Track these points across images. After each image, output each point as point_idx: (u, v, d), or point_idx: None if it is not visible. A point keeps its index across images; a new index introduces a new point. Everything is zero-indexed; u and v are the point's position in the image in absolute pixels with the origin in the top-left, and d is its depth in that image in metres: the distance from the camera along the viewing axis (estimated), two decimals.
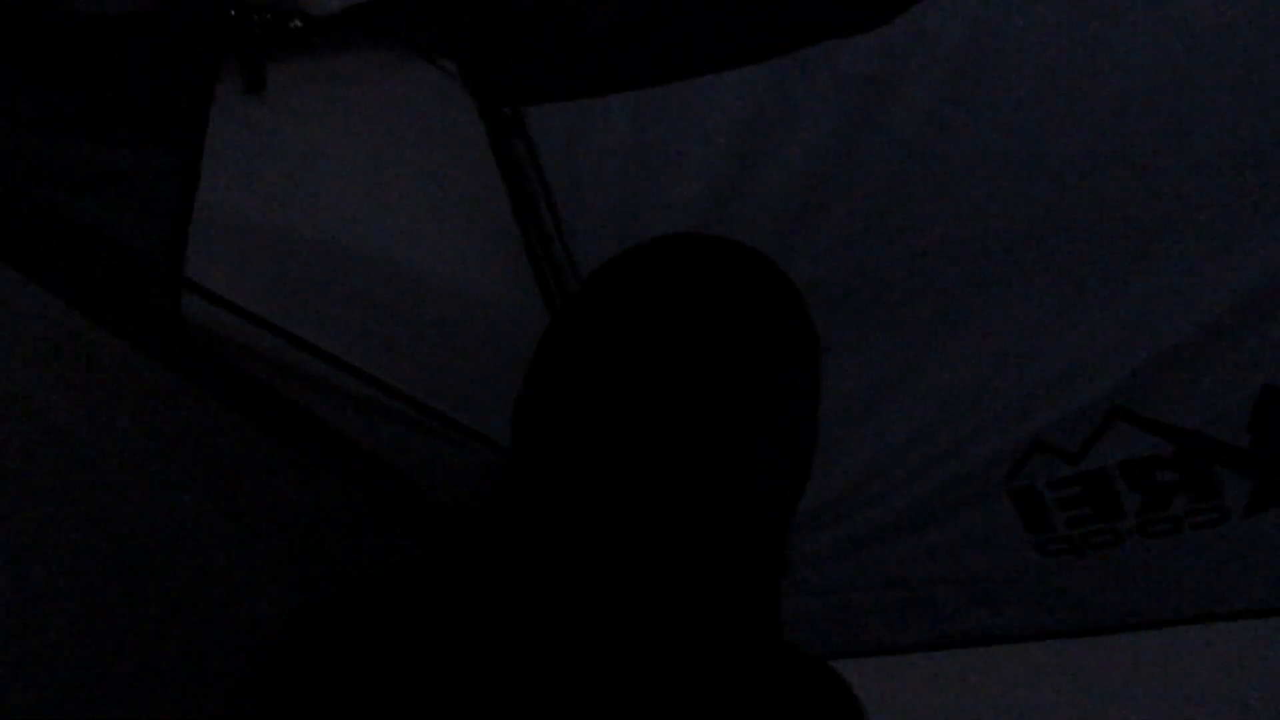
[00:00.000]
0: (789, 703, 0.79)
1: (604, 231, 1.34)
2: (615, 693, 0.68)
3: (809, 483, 0.77)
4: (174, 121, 1.17)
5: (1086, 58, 1.06)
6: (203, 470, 1.25)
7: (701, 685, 0.71)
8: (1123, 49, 1.05)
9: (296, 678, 0.68)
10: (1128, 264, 1.20)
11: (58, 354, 1.13)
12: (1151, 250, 1.19)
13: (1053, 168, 1.15)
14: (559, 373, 0.69)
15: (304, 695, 0.67)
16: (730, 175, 1.24)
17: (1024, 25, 1.04)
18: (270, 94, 1.18)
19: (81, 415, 1.15)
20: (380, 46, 1.24)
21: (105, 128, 1.13)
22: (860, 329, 1.31)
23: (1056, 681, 1.52)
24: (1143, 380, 1.28)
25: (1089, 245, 1.20)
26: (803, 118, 1.16)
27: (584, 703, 0.68)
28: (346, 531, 1.39)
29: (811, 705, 0.81)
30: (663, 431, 0.64)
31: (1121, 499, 1.36)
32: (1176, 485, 1.33)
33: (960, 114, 1.11)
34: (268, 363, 1.28)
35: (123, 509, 1.17)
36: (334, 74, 1.22)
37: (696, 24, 1.10)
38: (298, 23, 1.15)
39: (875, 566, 1.55)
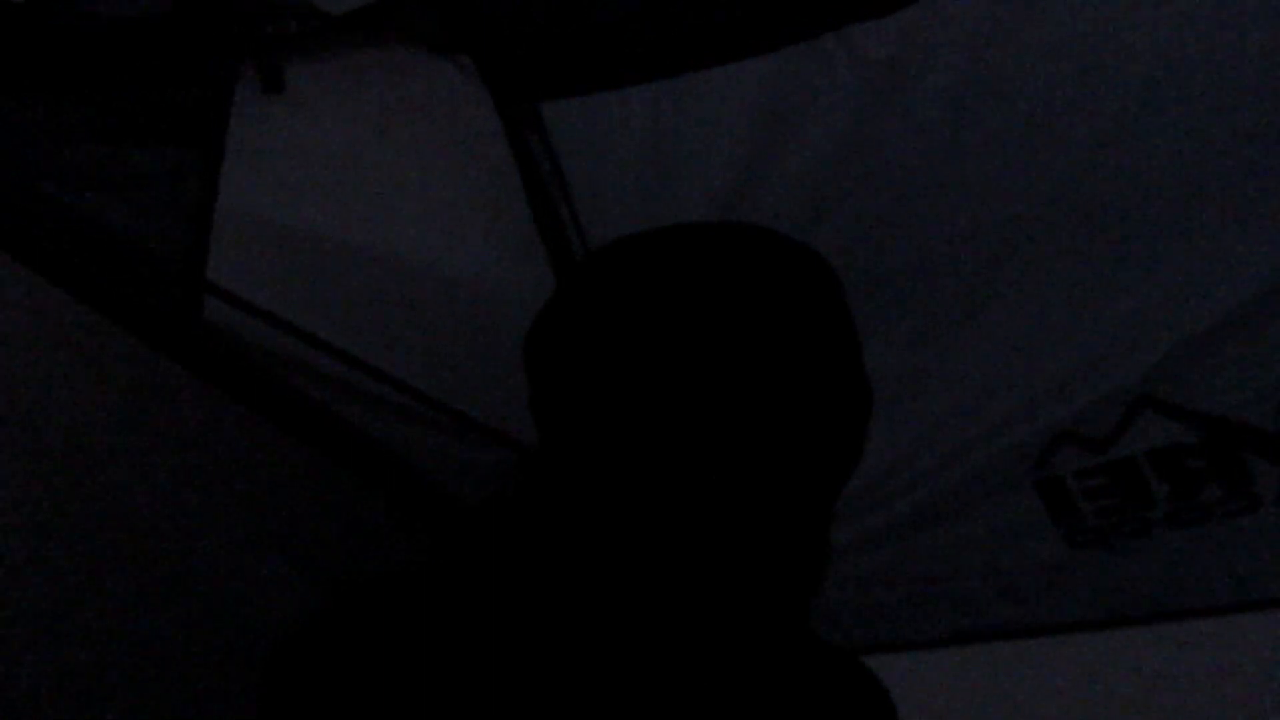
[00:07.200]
0: (822, 697, 0.78)
1: (622, 225, 1.32)
2: (645, 687, 0.68)
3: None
4: (193, 122, 1.17)
5: (1108, 38, 1.04)
6: (223, 470, 1.26)
7: (734, 680, 0.71)
8: (1146, 29, 1.04)
9: (297, 679, 0.67)
10: (1153, 248, 1.19)
11: (79, 356, 1.14)
12: (1177, 234, 1.18)
13: (1075, 151, 1.13)
14: (586, 353, 0.68)
15: (304, 697, 0.66)
16: (748, 166, 1.23)
17: (1045, 4, 1.03)
18: (289, 94, 1.19)
19: (102, 416, 1.16)
20: (397, 44, 1.24)
21: (123, 130, 1.14)
22: (881, 319, 1.30)
23: (1085, 675, 1.50)
24: (1169, 367, 1.26)
25: (1113, 230, 1.18)
26: (821, 105, 1.16)
27: (612, 698, 0.67)
28: (367, 530, 1.39)
29: (844, 700, 0.80)
30: (700, 418, 0.63)
31: (1150, 488, 1.34)
32: (1205, 473, 1.31)
33: (981, 97, 1.10)
34: (287, 363, 1.28)
35: (143, 509, 1.18)
36: (351, 72, 1.23)
37: (713, 12, 1.10)
38: (316, 22, 1.15)
39: (900, 560, 1.54)
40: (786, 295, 0.67)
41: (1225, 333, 1.22)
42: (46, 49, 1.06)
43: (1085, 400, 1.32)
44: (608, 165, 1.30)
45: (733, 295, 0.65)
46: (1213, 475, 1.31)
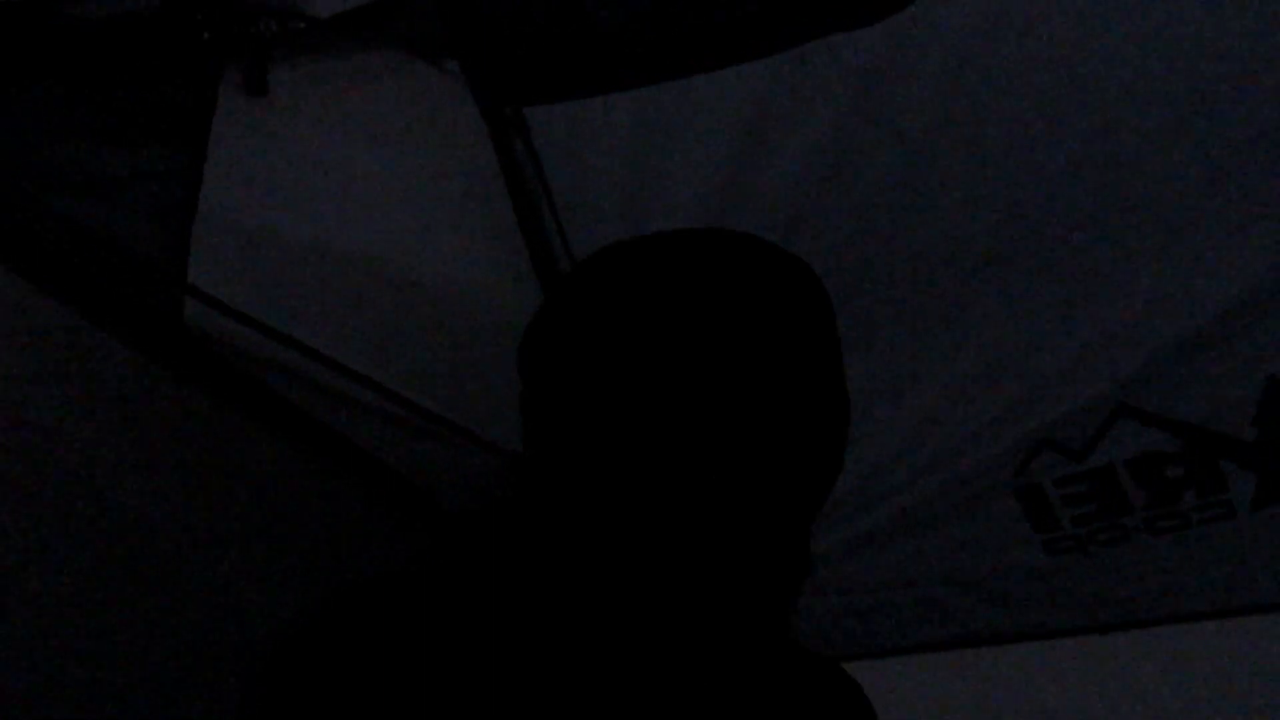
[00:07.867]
0: (802, 703, 0.78)
1: (606, 231, 1.33)
2: (627, 692, 0.68)
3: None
4: (176, 124, 1.17)
5: (1092, 50, 1.05)
6: (206, 475, 1.25)
7: (714, 685, 0.71)
8: (1129, 41, 1.05)
9: (295, 679, 0.67)
10: (1132, 259, 1.20)
11: (60, 358, 1.13)
12: (1156, 245, 1.19)
13: (1057, 163, 1.14)
14: (572, 359, 0.68)
15: (303, 697, 0.66)
16: (733, 172, 1.24)
17: (1030, 16, 1.03)
18: (273, 96, 1.19)
19: (83, 419, 1.15)
20: (383, 48, 1.24)
21: (106, 130, 1.13)
22: (863, 326, 1.31)
23: (1066, 680, 1.51)
24: (1148, 375, 1.27)
25: (1093, 240, 1.19)
26: (806, 112, 1.16)
27: (594, 701, 0.67)
28: (353, 535, 1.38)
29: (823, 706, 0.80)
30: (684, 424, 0.63)
31: (1128, 495, 1.35)
32: (1183, 481, 1.32)
33: (965, 107, 1.11)
34: (271, 368, 1.28)
35: (125, 513, 1.17)
36: (337, 76, 1.22)
37: (701, 19, 1.10)
38: (301, 24, 1.15)
39: (881, 567, 1.55)
40: (772, 302, 0.68)
41: (1203, 342, 1.23)
42: (26, 49, 1.05)
43: (1064, 408, 1.33)
44: (592, 171, 1.30)
45: (719, 302, 0.66)
46: (1189, 483, 1.32)
